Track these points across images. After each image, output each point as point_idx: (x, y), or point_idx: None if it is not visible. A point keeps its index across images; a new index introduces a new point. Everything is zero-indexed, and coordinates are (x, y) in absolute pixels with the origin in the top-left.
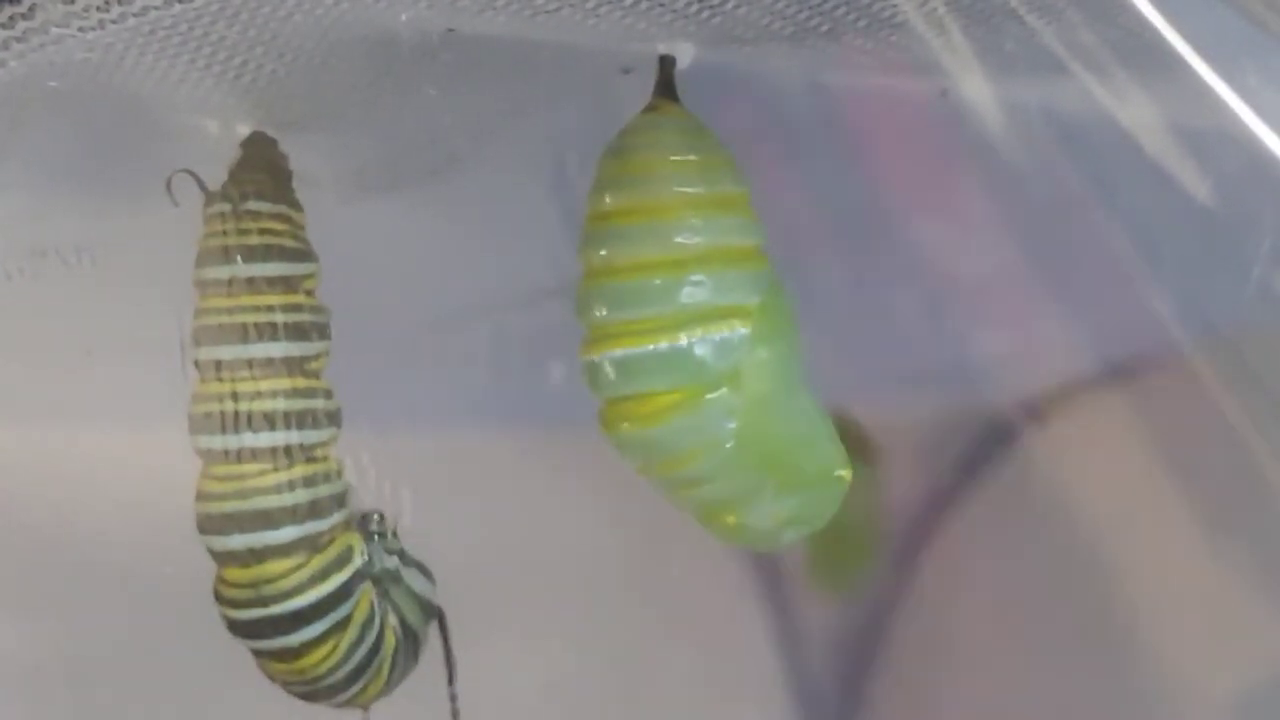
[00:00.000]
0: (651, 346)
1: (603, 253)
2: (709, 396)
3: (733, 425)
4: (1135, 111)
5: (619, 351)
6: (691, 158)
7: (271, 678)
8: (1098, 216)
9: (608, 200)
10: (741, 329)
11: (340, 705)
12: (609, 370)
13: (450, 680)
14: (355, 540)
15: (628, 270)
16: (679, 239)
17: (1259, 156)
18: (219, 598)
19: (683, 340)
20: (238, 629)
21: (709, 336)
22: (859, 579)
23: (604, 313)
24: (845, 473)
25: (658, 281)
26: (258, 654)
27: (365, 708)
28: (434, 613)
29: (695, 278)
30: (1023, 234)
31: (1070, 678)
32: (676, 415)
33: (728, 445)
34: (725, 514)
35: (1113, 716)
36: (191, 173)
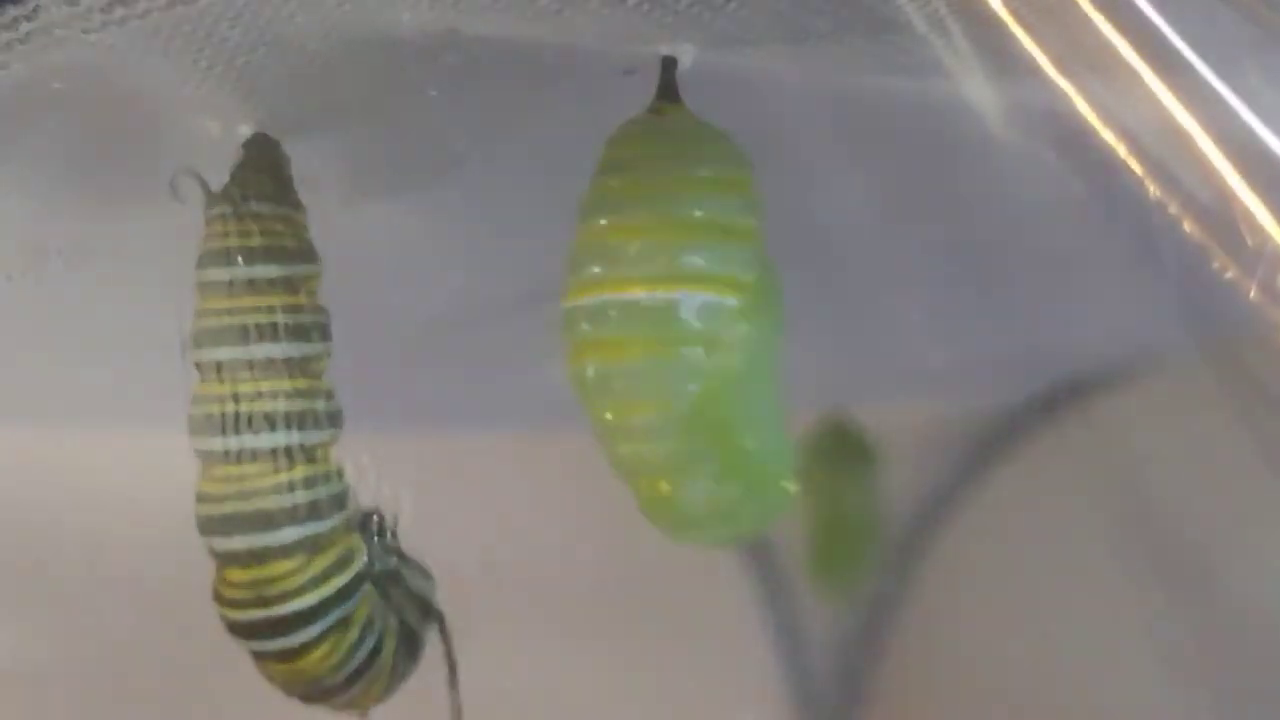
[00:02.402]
0: (634, 294)
1: (602, 221)
2: (679, 350)
3: (694, 388)
4: (1136, 111)
5: (603, 296)
6: (696, 145)
7: (271, 680)
8: (1098, 217)
9: (610, 181)
10: (731, 299)
11: (340, 708)
12: (586, 314)
13: (452, 685)
14: (356, 542)
15: (622, 232)
16: (678, 211)
17: (1260, 157)
18: (219, 599)
19: (666, 294)
20: (238, 630)
21: (694, 296)
22: (859, 579)
23: (596, 269)
24: (791, 486)
25: (652, 243)
26: (258, 656)
27: (365, 711)
28: (434, 614)
29: (691, 244)
30: (1023, 234)
31: (1071, 676)
32: (642, 356)
33: (683, 405)
34: (660, 480)
35: (1115, 714)
36: (195, 173)
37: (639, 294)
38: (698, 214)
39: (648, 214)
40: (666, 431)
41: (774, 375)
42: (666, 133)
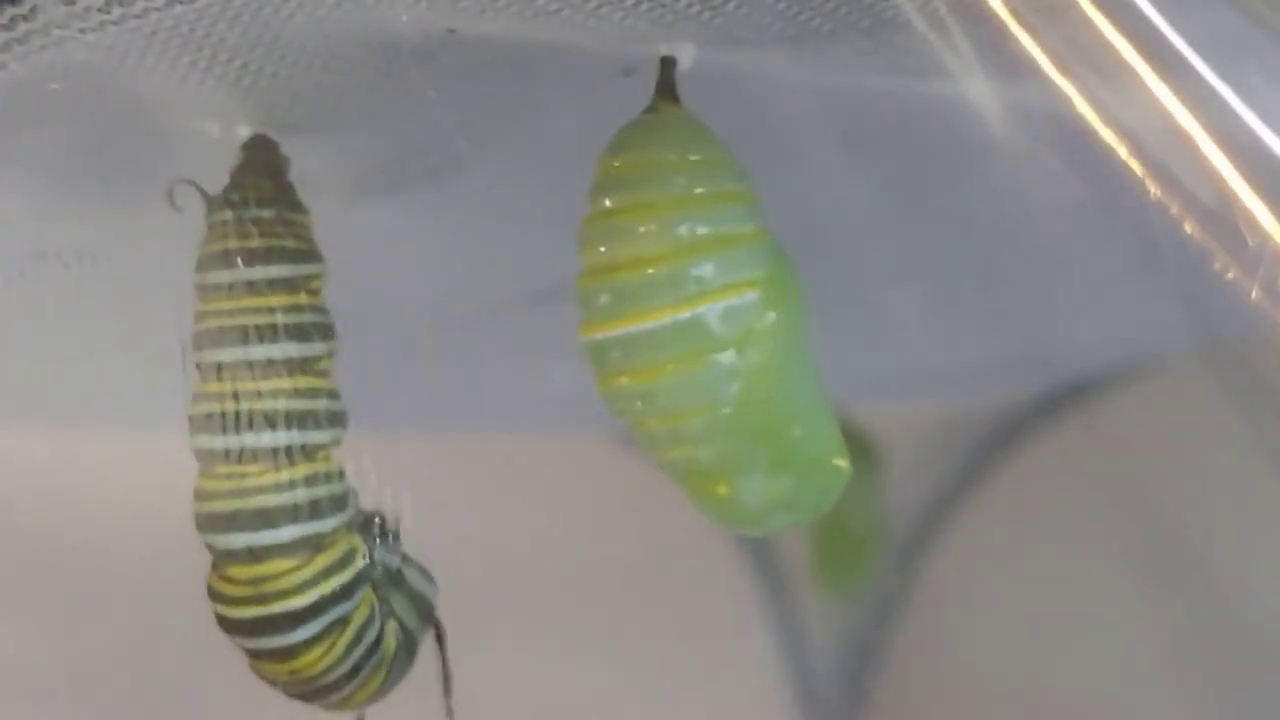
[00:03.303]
0: (658, 321)
1: (602, 249)
2: (714, 357)
3: (734, 388)
4: (1137, 111)
5: (627, 328)
6: (692, 158)
7: (266, 678)
8: (1098, 217)
9: (607, 201)
10: (751, 294)
11: (335, 707)
12: (614, 345)
13: (446, 690)
14: (357, 542)
15: (630, 265)
16: (680, 233)
17: (1261, 157)
18: (216, 595)
19: (690, 313)
20: (233, 627)
21: (716, 305)
22: (862, 581)
23: (607, 300)
24: (843, 463)
25: (662, 272)
26: (253, 654)
27: (360, 711)
28: (431, 617)
29: (699, 263)
30: (1023, 234)
31: (1072, 676)
32: (678, 371)
33: (726, 410)
34: (716, 483)
35: (1116, 712)
36: (193, 182)
37: (664, 319)
38: (701, 231)
39: (650, 243)
40: (714, 434)
41: (808, 359)
42: (659, 145)
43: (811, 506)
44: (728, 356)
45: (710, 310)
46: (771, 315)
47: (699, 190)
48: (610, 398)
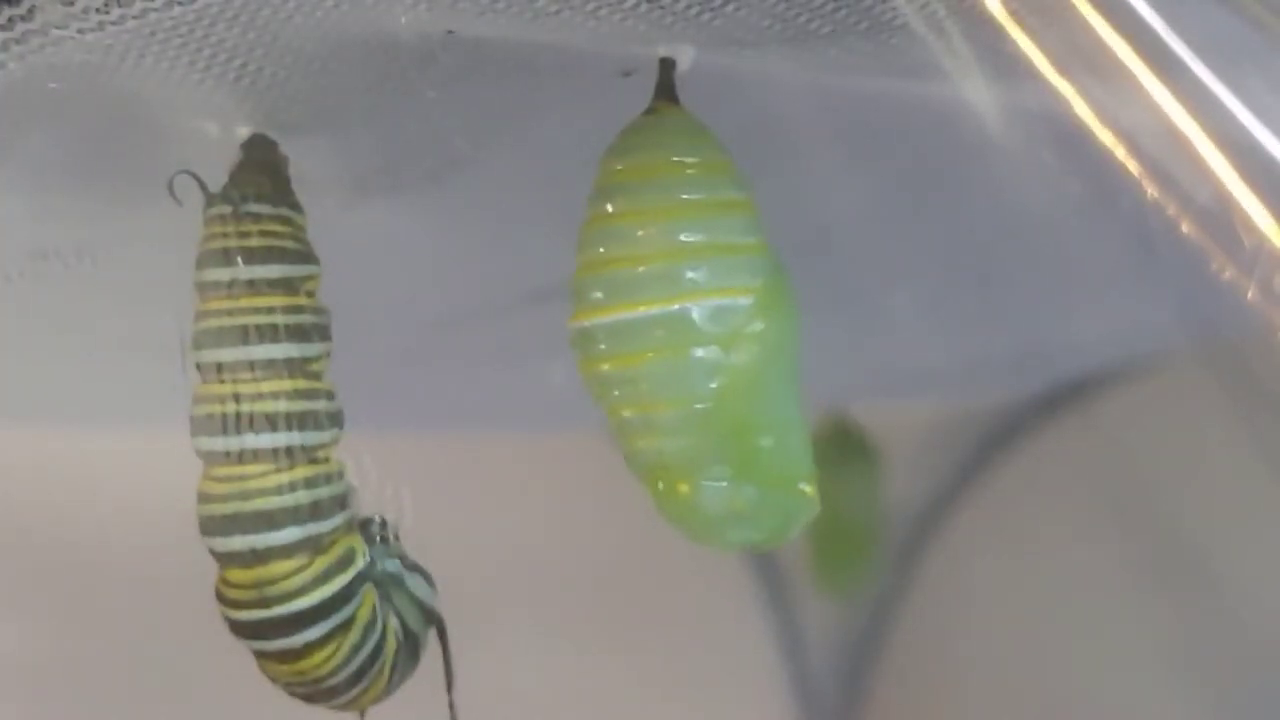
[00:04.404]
0: (647, 311)
1: (601, 250)
2: (697, 351)
3: (713, 386)
4: (1135, 113)
5: (615, 316)
6: (692, 161)
7: (273, 679)
8: (1096, 217)
9: (608, 206)
10: (744, 299)
11: (340, 708)
12: (600, 332)
13: (449, 688)
14: (358, 542)
15: (626, 262)
16: (680, 240)
17: (1258, 158)
18: (221, 598)
19: (678, 306)
20: (239, 630)
21: (706, 303)
22: (861, 579)
23: (600, 295)
24: (810, 489)
25: (656, 269)
26: (259, 655)
27: (362, 711)
28: (434, 618)
29: (696, 266)
30: (1023, 235)
31: (1071, 676)
32: (659, 359)
33: (701, 406)
34: (679, 480)
35: (1114, 712)
36: (193, 174)
37: (652, 310)
38: (700, 239)
39: (650, 244)
40: (686, 428)
41: (793, 378)
42: (661, 148)
43: (773, 528)
44: (711, 353)
45: (699, 306)
46: (760, 323)
47: (700, 198)
48: (590, 381)
